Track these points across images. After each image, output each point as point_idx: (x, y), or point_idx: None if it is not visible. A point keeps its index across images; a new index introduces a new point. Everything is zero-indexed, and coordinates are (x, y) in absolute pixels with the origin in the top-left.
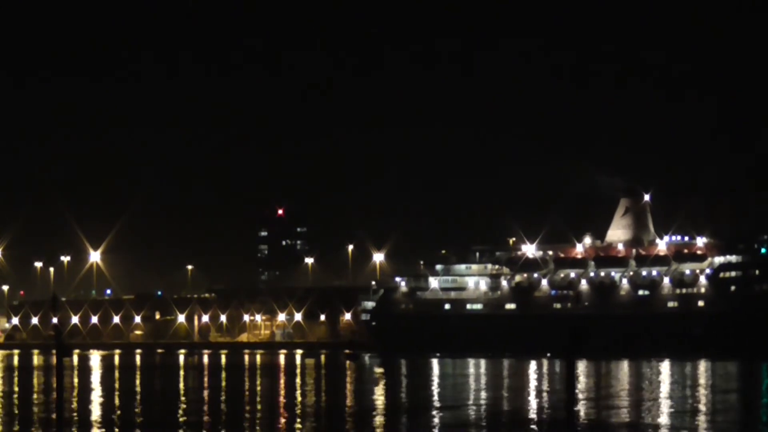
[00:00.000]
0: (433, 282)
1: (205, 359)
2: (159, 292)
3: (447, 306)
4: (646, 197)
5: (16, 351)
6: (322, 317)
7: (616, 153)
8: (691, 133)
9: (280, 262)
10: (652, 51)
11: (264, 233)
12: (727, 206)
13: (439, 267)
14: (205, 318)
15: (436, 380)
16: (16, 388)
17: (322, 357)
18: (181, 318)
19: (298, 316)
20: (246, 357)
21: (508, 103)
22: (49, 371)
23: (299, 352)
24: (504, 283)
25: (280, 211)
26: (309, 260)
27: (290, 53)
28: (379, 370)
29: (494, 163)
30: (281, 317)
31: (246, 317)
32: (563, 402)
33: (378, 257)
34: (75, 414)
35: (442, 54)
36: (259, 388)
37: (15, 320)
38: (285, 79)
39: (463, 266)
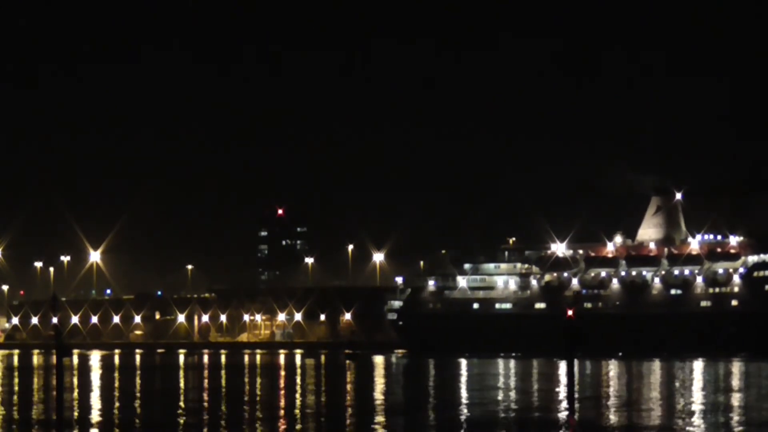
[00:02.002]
0: (462, 281)
1: (205, 359)
2: (159, 292)
3: (475, 305)
4: (678, 196)
5: (16, 351)
6: (322, 317)
7: (648, 151)
8: (721, 130)
9: (280, 262)
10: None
11: (264, 233)
12: (756, 204)
13: (467, 266)
14: (205, 318)
15: (455, 380)
16: (16, 388)
17: (322, 357)
18: (181, 318)
19: (298, 316)
20: (246, 357)
21: (535, 101)
22: (49, 371)
23: (299, 352)
24: (533, 282)
25: (280, 211)
26: (309, 260)
27: (291, 53)
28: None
29: (527, 162)
30: (281, 317)
31: (246, 317)
32: (592, 404)
33: (378, 257)
34: (75, 414)
35: (456, 50)
36: (259, 388)
37: (15, 320)
38: (286, 78)
39: (491, 265)
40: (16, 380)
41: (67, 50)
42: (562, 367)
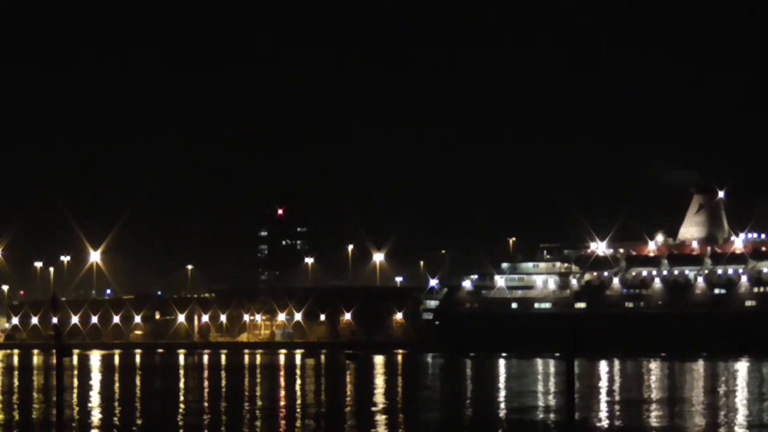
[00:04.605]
0: (500, 281)
1: (205, 359)
2: (159, 292)
3: (514, 305)
4: (721, 194)
5: (16, 351)
6: (322, 317)
7: (689, 148)
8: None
9: (280, 262)
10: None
11: (264, 233)
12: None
13: (505, 265)
14: (205, 318)
15: (493, 380)
16: (16, 389)
17: (322, 357)
18: (181, 318)
19: (298, 316)
20: (246, 357)
21: (577, 99)
22: (49, 371)
23: (299, 352)
24: (573, 281)
25: (280, 211)
26: (309, 260)
27: (292, 53)
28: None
29: (564, 160)
30: (281, 317)
31: (246, 317)
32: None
33: (378, 257)
34: (75, 415)
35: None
36: (259, 388)
37: (15, 320)
38: (286, 79)
39: (530, 264)
40: (16, 380)
41: (66, 50)
42: (603, 367)
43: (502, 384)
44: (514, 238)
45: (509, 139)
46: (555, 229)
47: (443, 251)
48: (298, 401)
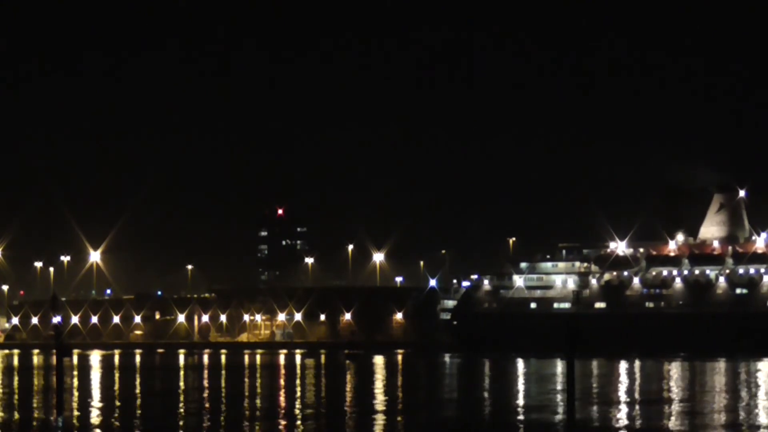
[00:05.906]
0: (518, 280)
1: (205, 359)
2: (159, 292)
3: (533, 305)
4: (741, 193)
5: (16, 351)
6: (322, 317)
7: (711, 147)
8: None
9: (280, 262)
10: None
11: (264, 233)
12: None
13: (524, 265)
14: (205, 318)
15: (512, 380)
16: (16, 389)
17: (322, 357)
18: (181, 318)
19: (298, 316)
20: (246, 357)
21: (595, 99)
22: (49, 371)
23: (299, 352)
24: (593, 281)
25: (280, 211)
26: (309, 260)
27: (290, 53)
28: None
29: (584, 159)
30: (281, 317)
31: (246, 317)
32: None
33: (378, 257)
34: (75, 415)
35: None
36: (259, 388)
37: (15, 320)
38: (285, 78)
39: (549, 264)
40: (16, 380)
41: (66, 49)
42: (623, 367)
43: (519, 384)
44: (513, 239)
45: (514, 139)
46: (574, 228)
47: (443, 251)
48: (298, 401)
